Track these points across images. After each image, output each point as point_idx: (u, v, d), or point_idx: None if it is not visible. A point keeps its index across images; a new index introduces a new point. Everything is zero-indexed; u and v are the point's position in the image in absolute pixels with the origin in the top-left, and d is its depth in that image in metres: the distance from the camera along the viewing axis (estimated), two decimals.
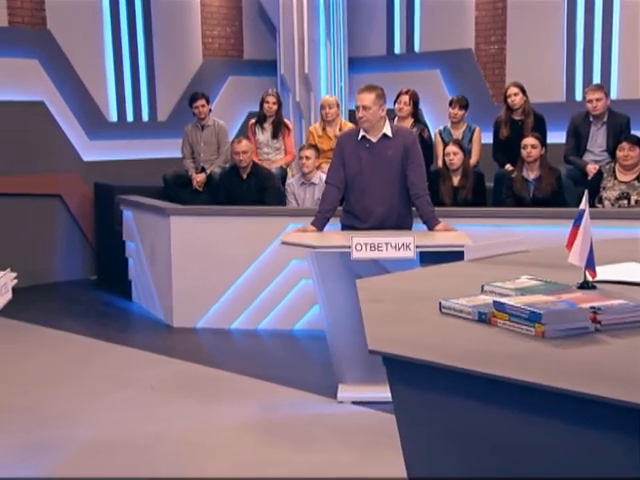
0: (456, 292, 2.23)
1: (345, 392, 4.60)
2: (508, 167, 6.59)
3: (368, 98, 4.62)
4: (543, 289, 2.22)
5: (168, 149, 8.81)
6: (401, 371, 1.72)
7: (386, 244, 4.26)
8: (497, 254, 2.76)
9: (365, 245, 4.27)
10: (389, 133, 4.72)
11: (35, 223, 8.07)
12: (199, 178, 7.40)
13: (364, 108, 4.62)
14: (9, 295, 3.32)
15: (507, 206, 6.00)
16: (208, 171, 7.44)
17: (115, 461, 3.83)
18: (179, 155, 8.38)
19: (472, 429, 1.63)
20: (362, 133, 4.74)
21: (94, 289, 7.95)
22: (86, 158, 8.43)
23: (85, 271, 8.43)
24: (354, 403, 4.52)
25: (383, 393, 4.59)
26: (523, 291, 2.19)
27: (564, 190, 6.06)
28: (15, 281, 3.42)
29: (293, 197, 6.58)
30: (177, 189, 7.46)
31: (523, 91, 6.71)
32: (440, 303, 2.14)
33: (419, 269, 2.77)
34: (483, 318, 2.02)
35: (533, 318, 1.90)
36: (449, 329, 1.99)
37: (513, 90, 6.70)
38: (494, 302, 2.01)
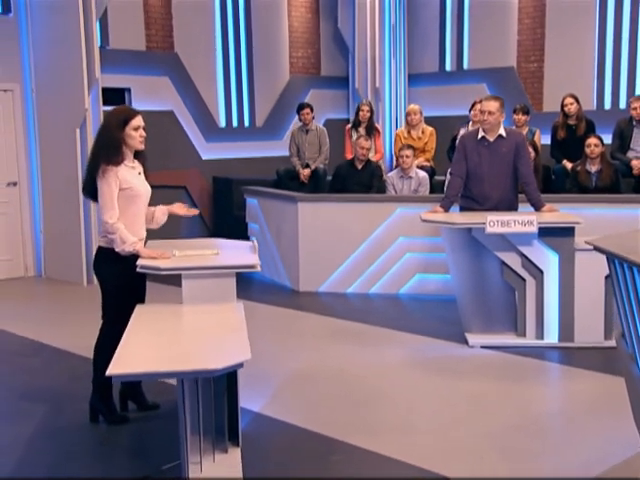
0: None
1: (473, 339, 4.90)
2: (566, 163, 6.87)
3: (494, 105, 4.90)
4: None
5: (264, 149, 9.18)
6: None
7: (514, 221, 4.58)
8: None
9: (497, 222, 4.58)
10: (504, 134, 5.01)
11: None
12: (305, 172, 7.71)
13: (489, 113, 4.90)
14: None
15: (573, 194, 6.29)
16: (312, 167, 7.74)
17: (318, 386, 4.18)
18: (274, 154, 8.70)
19: None
20: (481, 134, 5.03)
21: None
22: (204, 157, 8.75)
23: None
24: (483, 347, 4.83)
25: (503, 340, 4.94)
26: None
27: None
28: None
29: (392, 187, 6.87)
30: (287, 181, 7.77)
31: (577, 101, 6.99)
32: None
33: (621, 234, 2.99)
34: None
35: None
36: None
37: (569, 100, 6.97)
38: None
